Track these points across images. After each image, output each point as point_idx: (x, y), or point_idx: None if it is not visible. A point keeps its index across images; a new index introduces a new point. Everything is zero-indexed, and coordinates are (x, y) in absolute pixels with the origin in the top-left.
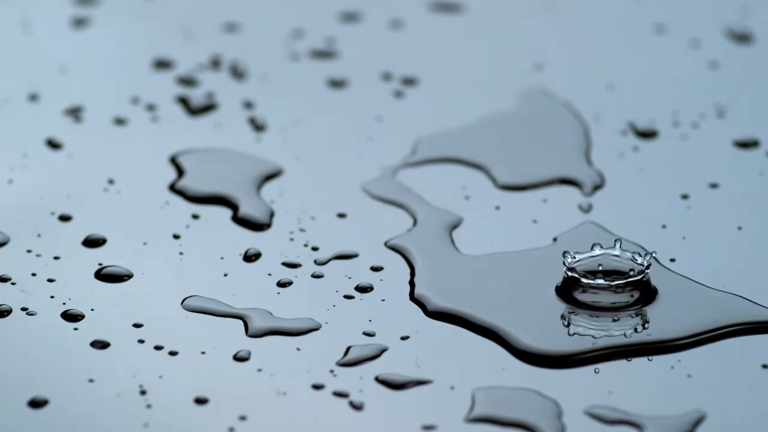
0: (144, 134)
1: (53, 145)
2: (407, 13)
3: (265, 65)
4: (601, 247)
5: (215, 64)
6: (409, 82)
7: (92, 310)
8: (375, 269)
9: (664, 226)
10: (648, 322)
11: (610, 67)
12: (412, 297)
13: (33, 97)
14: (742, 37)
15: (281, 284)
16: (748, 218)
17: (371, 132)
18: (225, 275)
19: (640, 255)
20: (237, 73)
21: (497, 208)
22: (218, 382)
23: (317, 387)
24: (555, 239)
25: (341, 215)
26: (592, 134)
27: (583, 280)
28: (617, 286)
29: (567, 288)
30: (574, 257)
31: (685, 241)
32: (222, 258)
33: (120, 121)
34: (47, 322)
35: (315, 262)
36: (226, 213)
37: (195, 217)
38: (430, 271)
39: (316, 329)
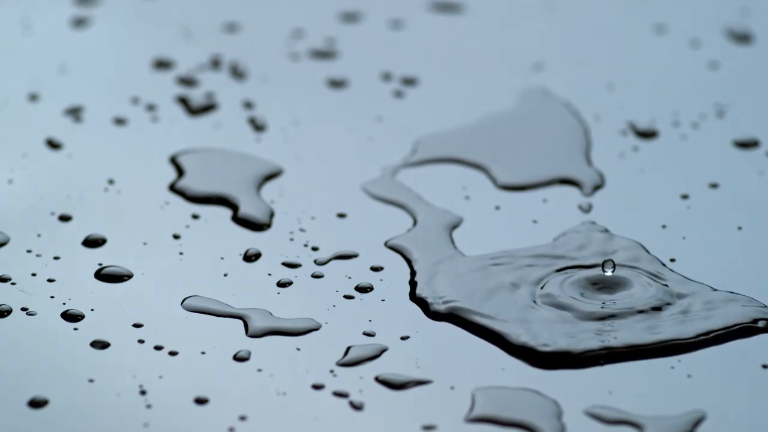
0: (144, 134)
1: (53, 145)
2: (407, 13)
3: (265, 65)
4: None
5: (215, 64)
6: (409, 82)
7: (92, 310)
8: (375, 269)
9: (664, 226)
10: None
11: (610, 67)
12: (412, 297)
13: (33, 97)
14: (742, 37)
15: (281, 284)
16: (748, 218)
17: (371, 132)
18: (225, 275)
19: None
20: (237, 73)
21: (497, 208)
22: (218, 382)
23: (317, 387)
24: (555, 239)
25: (341, 215)
26: (592, 134)
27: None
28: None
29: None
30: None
31: (685, 241)
32: (222, 258)
33: (120, 121)
34: (47, 322)
35: (315, 262)
36: (226, 213)
37: (195, 217)
38: (430, 271)
39: (316, 329)
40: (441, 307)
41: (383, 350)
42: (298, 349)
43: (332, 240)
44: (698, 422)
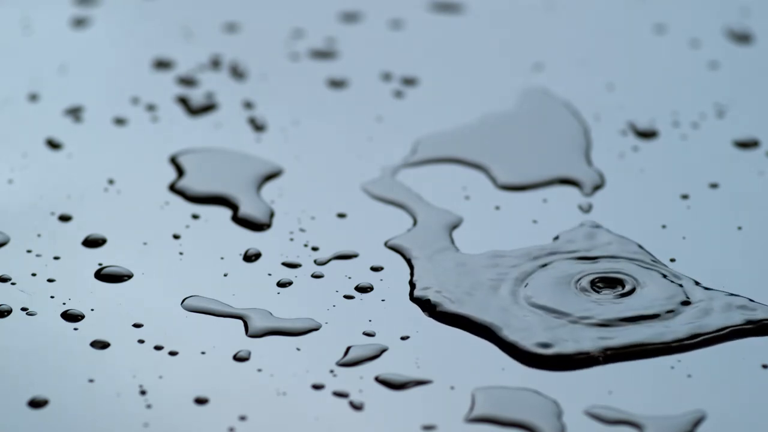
0: (144, 134)
1: (53, 145)
2: (407, 13)
3: (265, 65)
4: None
5: (215, 64)
6: (409, 82)
7: (92, 310)
8: (375, 269)
9: (664, 226)
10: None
11: (610, 67)
12: (412, 297)
13: (33, 97)
14: (742, 37)
15: (281, 284)
16: (748, 218)
17: (371, 132)
18: (225, 275)
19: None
20: (237, 73)
21: (497, 208)
22: (218, 382)
23: (317, 387)
24: (556, 238)
25: (341, 215)
26: (592, 134)
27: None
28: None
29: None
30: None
31: (685, 241)
32: (222, 258)
33: (120, 121)
34: (47, 322)
35: (315, 262)
36: (226, 213)
37: (195, 217)
38: (430, 271)
39: (316, 329)
40: (426, 295)
41: (383, 350)
42: (298, 349)
43: (332, 240)
44: (698, 422)
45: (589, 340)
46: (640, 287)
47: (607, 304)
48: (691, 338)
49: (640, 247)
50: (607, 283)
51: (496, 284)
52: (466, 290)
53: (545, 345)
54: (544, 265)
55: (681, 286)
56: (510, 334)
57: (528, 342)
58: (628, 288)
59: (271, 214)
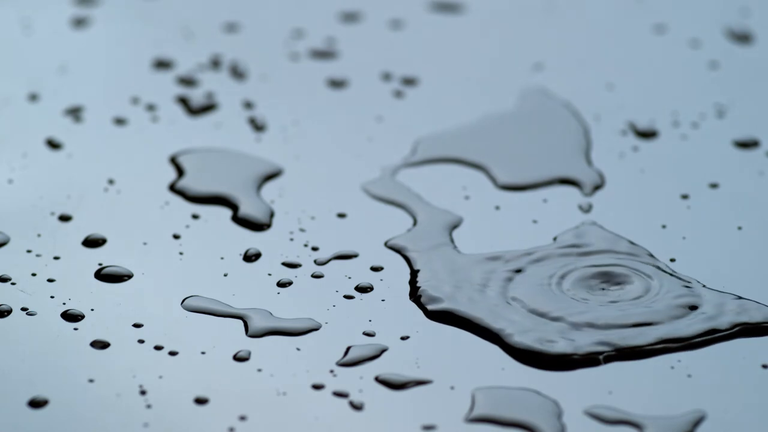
0: (144, 134)
1: (53, 145)
2: (407, 13)
3: (265, 65)
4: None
5: (215, 64)
6: (409, 82)
7: (92, 310)
8: (375, 269)
9: (664, 226)
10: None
11: (610, 67)
12: (412, 297)
13: (33, 97)
14: (742, 37)
15: (281, 284)
16: (748, 218)
17: (371, 132)
18: (225, 275)
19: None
20: (237, 73)
21: (497, 208)
22: (218, 382)
23: (317, 387)
24: (555, 239)
25: (341, 215)
26: (592, 134)
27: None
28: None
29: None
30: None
31: (685, 241)
32: (222, 258)
33: (120, 121)
34: (47, 322)
35: (315, 262)
36: (226, 213)
37: (195, 217)
38: (430, 271)
39: (316, 329)
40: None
41: (383, 350)
42: (298, 349)
43: (332, 240)
44: (698, 422)
45: (586, 342)
46: (649, 288)
47: (603, 304)
48: (694, 339)
49: (632, 243)
50: (608, 281)
51: (485, 283)
52: (461, 288)
53: (548, 342)
54: (538, 260)
55: (689, 287)
56: (506, 333)
57: (524, 340)
58: (635, 289)
59: (271, 214)
